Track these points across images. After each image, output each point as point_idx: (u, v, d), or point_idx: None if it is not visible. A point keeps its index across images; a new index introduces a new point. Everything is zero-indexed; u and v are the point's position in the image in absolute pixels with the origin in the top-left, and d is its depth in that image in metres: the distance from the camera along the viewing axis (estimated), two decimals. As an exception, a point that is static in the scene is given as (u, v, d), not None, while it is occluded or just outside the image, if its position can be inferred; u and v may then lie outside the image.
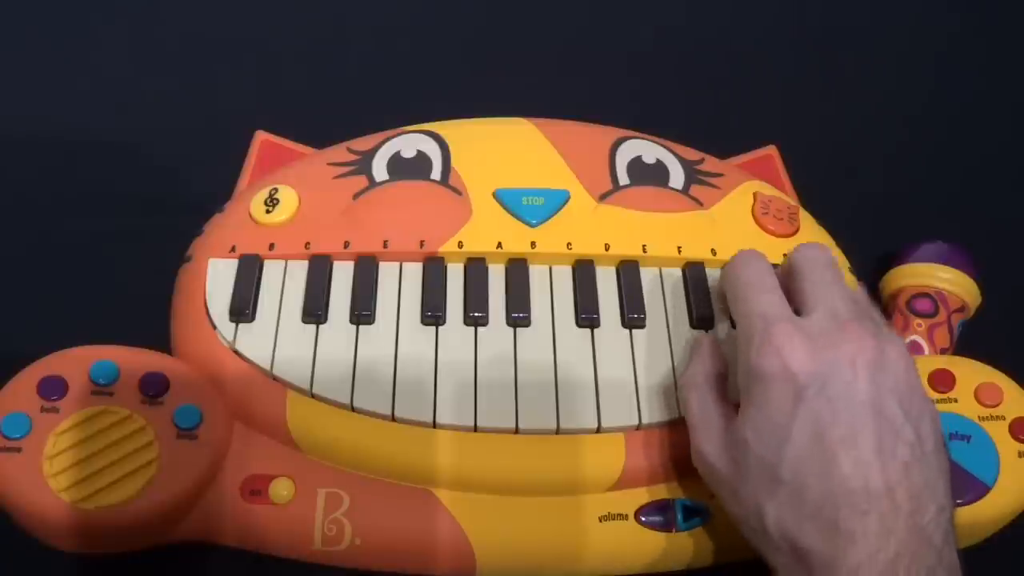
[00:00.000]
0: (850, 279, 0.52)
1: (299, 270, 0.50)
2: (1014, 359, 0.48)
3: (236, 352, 0.47)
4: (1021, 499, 0.45)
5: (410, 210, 0.52)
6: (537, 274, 0.50)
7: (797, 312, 0.43)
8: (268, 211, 0.51)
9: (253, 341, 0.47)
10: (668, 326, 0.49)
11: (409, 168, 0.54)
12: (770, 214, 0.54)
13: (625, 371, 0.47)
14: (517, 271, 0.50)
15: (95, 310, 0.52)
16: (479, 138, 0.56)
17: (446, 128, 0.57)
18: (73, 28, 0.69)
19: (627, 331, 0.49)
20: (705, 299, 0.50)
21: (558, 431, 0.46)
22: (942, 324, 0.53)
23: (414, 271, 0.50)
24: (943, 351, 0.53)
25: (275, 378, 0.46)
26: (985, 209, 0.63)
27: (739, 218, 0.54)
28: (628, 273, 0.50)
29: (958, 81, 0.73)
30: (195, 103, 0.65)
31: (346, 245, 0.50)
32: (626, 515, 0.45)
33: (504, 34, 0.73)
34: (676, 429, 0.46)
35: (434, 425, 0.45)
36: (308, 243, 0.50)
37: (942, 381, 0.47)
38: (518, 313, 0.48)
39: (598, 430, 0.46)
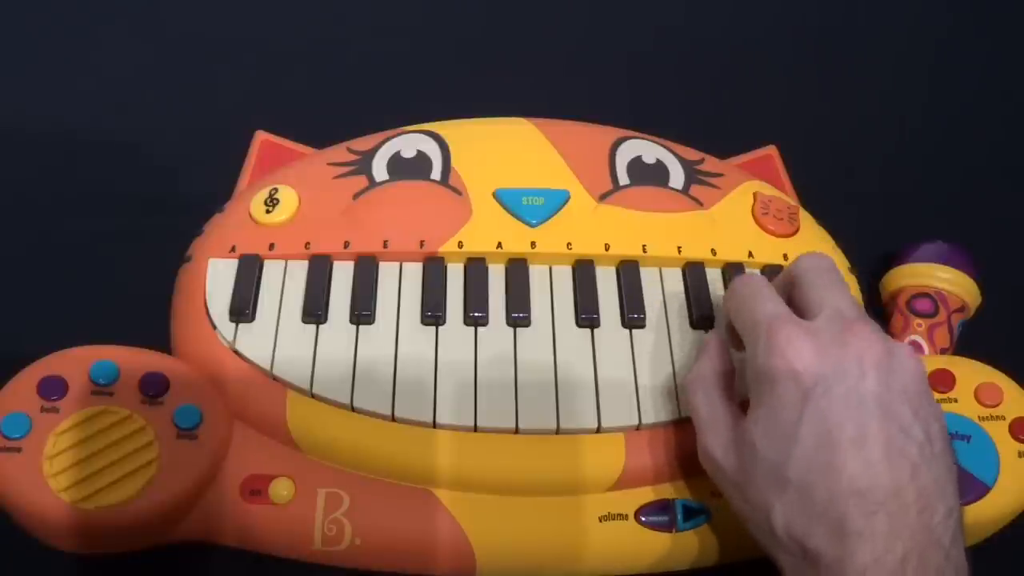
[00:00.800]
0: (850, 279, 0.52)
1: (299, 270, 0.50)
2: (1014, 359, 0.48)
3: (236, 352, 0.47)
4: (1021, 499, 0.45)
5: (410, 210, 0.52)
6: (537, 274, 0.50)
7: (802, 317, 0.42)
8: (268, 211, 0.51)
9: (253, 341, 0.47)
10: (668, 326, 0.49)
11: (409, 168, 0.54)
12: (770, 214, 0.54)
13: (625, 371, 0.47)
14: (517, 271, 0.50)
15: (95, 310, 0.52)
16: (479, 138, 0.56)
17: (446, 128, 0.57)
18: (73, 28, 0.69)
19: (627, 331, 0.49)
20: (705, 299, 0.50)
21: (558, 431, 0.45)
22: (942, 324, 0.53)
23: (414, 271, 0.50)
24: (943, 351, 0.53)
25: (275, 378, 0.46)
26: (985, 209, 0.63)
27: (739, 218, 0.54)
28: (628, 273, 0.50)
29: (958, 81, 0.73)
30: (195, 103, 0.65)
31: (346, 245, 0.50)
32: (626, 515, 0.45)
33: (504, 34, 0.73)
34: (676, 429, 0.46)
35: (434, 425, 0.45)
36: (308, 243, 0.50)
37: (942, 381, 0.47)
38: (518, 313, 0.48)
39: (598, 430, 0.46)
